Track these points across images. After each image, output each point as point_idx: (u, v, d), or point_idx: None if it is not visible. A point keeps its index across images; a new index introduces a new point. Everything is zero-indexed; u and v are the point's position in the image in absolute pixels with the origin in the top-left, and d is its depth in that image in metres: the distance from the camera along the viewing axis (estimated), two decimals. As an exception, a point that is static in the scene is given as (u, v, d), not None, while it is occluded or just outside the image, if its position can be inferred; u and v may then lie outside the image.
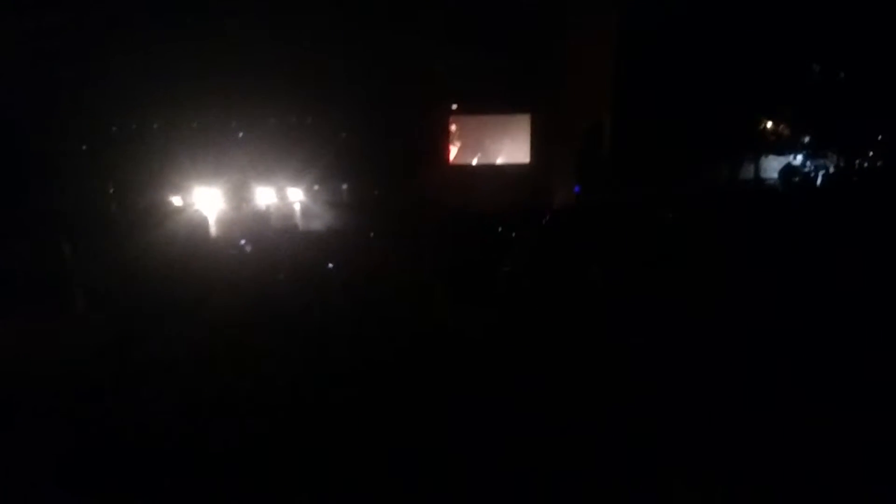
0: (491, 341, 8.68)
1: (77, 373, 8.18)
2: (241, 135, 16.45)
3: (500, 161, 17.49)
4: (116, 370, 8.22)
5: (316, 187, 16.29)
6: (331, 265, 12.42)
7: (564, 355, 8.02)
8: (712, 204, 14.79)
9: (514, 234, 13.53)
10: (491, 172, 17.27)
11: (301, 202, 16.23)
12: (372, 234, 14.30)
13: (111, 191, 14.25)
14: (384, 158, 16.05)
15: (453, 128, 17.41)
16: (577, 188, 16.32)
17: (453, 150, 17.45)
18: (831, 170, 17.20)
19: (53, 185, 13.21)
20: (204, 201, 15.32)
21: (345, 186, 16.44)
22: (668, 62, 15.77)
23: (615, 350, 8.03)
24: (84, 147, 14.83)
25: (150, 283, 10.90)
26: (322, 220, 15.96)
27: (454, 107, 17.23)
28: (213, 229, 14.94)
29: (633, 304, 9.42)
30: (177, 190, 15.04)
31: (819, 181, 17.06)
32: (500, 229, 13.57)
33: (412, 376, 7.77)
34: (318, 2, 15.42)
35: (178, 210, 14.90)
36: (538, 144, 17.29)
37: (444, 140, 17.30)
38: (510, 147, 17.43)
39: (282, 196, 16.20)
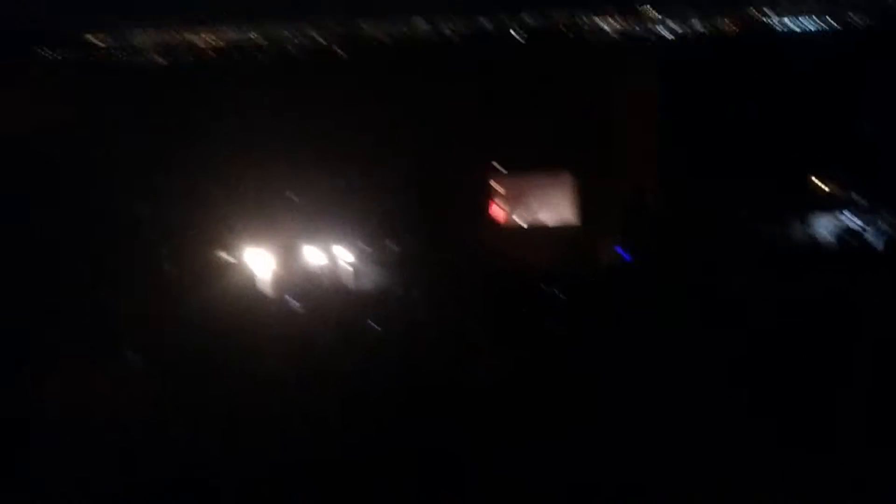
0: (536, 396, 8.69)
1: (128, 423, 8.40)
2: (292, 197, 16.90)
3: (545, 221, 17.57)
4: (166, 420, 8.43)
5: (364, 247, 16.56)
6: (376, 325, 12.55)
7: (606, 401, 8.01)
8: (765, 269, 14.38)
9: (558, 294, 13.51)
10: (536, 232, 17.34)
11: (350, 262, 16.49)
12: (417, 293, 14.41)
13: (165, 250, 14.74)
14: (431, 219, 16.29)
15: (499, 189, 17.62)
16: (618, 248, 16.16)
17: (499, 211, 17.63)
18: (888, 230, 16.62)
19: (108, 244, 13.73)
20: (255, 261, 15.71)
21: (392, 246, 16.65)
22: (715, 119, 15.79)
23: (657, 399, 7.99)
24: (139, 207, 15.43)
25: (200, 339, 11.18)
26: (370, 279, 16.16)
27: (500, 168, 17.48)
28: (262, 287, 15.25)
29: (679, 361, 9.33)
30: (228, 249, 15.46)
31: (881, 245, 16.12)
32: (544, 287, 13.57)
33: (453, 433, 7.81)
34: (363, 67, 16.00)
35: (230, 268, 15.29)
36: (584, 205, 17.34)
37: (490, 201, 17.52)
38: (555, 207, 17.53)
39: (330, 256, 16.49)
